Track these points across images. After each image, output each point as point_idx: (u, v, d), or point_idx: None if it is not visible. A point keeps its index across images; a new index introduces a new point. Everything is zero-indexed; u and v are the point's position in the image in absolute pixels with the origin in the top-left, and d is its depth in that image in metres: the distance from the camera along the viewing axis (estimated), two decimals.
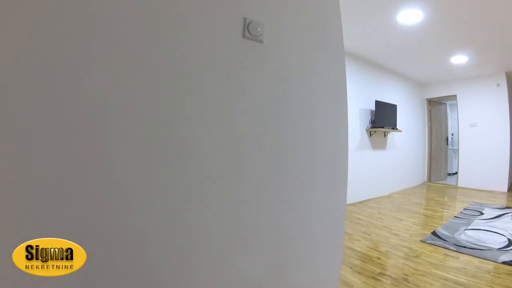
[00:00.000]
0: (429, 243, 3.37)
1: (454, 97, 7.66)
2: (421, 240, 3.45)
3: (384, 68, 6.50)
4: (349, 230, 3.78)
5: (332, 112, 1.36)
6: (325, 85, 1.33)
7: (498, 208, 5.15)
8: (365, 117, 5.73)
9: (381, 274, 2.62)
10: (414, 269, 2.71)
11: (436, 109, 8.55)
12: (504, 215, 4.65)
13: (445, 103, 8.95)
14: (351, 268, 2.75)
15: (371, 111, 5.83)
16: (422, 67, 6.49)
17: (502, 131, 6.70)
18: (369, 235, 3.64)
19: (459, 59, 5.81)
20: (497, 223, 4.25)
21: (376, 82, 6.21)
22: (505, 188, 6.74)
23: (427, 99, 8.23)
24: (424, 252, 3.10)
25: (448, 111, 9.44)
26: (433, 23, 4.15)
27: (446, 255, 3.05)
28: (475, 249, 3.18)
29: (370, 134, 5.84)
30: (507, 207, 5.26)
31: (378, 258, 2.96)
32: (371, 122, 5.80)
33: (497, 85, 6.76)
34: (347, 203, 5.15)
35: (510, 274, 2.67)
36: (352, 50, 5.29)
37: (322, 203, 1.34)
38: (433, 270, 2.68)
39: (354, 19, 4.04)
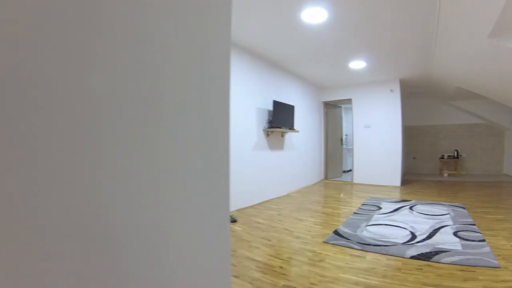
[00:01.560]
0: (332, 243, 3.18)
1: (349, 100, 8.35)
2: (324, 241, 3.25)
3: (285, 69, 6.52)
4: (248, 237, 3.41)
5: (209, 109, 0.94)
6: (204, 79, 0.91)
7: (395, 202, 5.40)
8: (262, 117, 5.52)
9: (285, 286, 2.28)
10: (321, 276, 2.44)
11: (332, 111, 9.15)
12: (402, 208, 4.86)
13: (341, 106, 9.70)
14: (251, 283, 2.35)
15: (269, 111, 5.66)
16: (323, 69, 6.65)
17: (395, 132, 7.58)
18: (270, 240, 3.32)
19: (358, 64, 6.13)
20: (397, 216, 4.37)
21: (276, 82, 6.12)
22: (398, 183, 7.51)
23: (324, 102, 8.74)
24: (328, 255, 2.88)
25: (343, 113, 10.34)
26: (336, 25, 4.15)
27: (352, 255, 2.88)
28: (381, 245, 3.10)
29: (268, 134, 5.66)
30: (402, 200, 5.56)
31: (281, 267, 2.63)
32: (269, 122, 5.61)
33: (391, 90, 7.58)
34: (246, 205, 4.91)
35: (421, 269, 2.60)
36: (252, 47, 5.02)
37: (187, 212, 0.90)
38: (341, 275, 2.45)
39: (255, 12, 3.77)
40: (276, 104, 5.62)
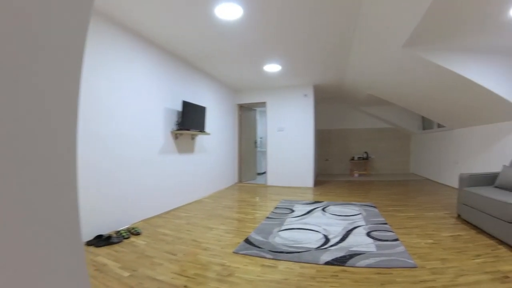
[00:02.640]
0: (242, 254, 3.00)
1: (264, 103, 8.50)
2: (234, 252, 3.03)
3: (199, 68, 6.26)
4: (152, 252, 3.06)
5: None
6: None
7: (308, 204, 5.42)
8: (171, 118, 5.14)
9: None
10: None
11: (247, 114, 9.15)
12: (314, 210, 4.88)
13: (255, 109, 9.82)
14: None
15: (178, 112, 5.31)
16: (238, 71, 6.53)
17: (307, 135, 7.94)
18: (175, 254, 3.00)
19: (273, 67, 6.18)
20: (309, 219, 4.34)
21: (187, 81, 5.81)
22: (311, 184, 7.89)
23: (238, 104, 8.69)
24: (238, 268, 2.66)
25: (258, 116, 10.54)
26: (252, 25, 4.04)
27: (263, 265, 2.72)
28: (293, 252, 3.01)
29: (176, 137, 5.29)
30: (315, 202, 5.60)
31: (185, 286, 2.31)
32: (177, 124, 5.24)
33: (305, 95, 7.97)
34: (152, 215, 4.49)
35: (336, 275, 2.54)
36: (161, 40, 4.62)
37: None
38: None
39: (163, 3, 3.45)
40: (186, 104, 5.29)
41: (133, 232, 3.64)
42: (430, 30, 3.74)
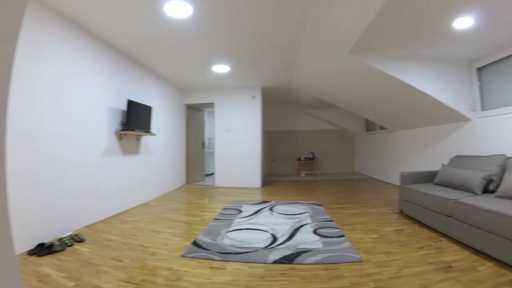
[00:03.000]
0: (191, 257, 3.01)
1: (212, 104, 8.53)
2: (181, 255, 3.03)
3: (145, 66, 6.10)
4: (97, 259, 2.96)
5: None
6: None
7: (255, 204, 5.51)
8: (115, 117, 4.95)
9: None
10: None
11: (195, 114, 9.10)
12: (262, 210, 4.97)
13: (203, 110, 9.81)
14: None
15: (123, 111, 5.14)
16: (186, 70, 6.46)
17: (255, 136, 8.11)
18: (121, 261, 2.93)
19: (221, 68, 6.20)
20: (257, 219, 4.43)
21: (133, 79, 5.62)
22: (259, 184, 8.07)
23: (186, 104, 8.61)
24: (187, 271, 2.67)
25: (206, 117, 10.61)
26: (201, 24, 4.04)
27: (212, 268, 2.76)
28: (241, 253, 3.08)
29: (120, 138, 5.12)
30: (263, 202, 5.70)
31: None
32: (122, 124, 5.07)
33: (253, 97, 8.12)
34: (96, 220, 4.36)
35: (285, 273, 2.62)
36: (106, 34, 4.39)
37: None
38: None
39: None
40: (131, 103, 5.12)
41: (76, 239, 3.48)
42: (375, 39, 4.04)
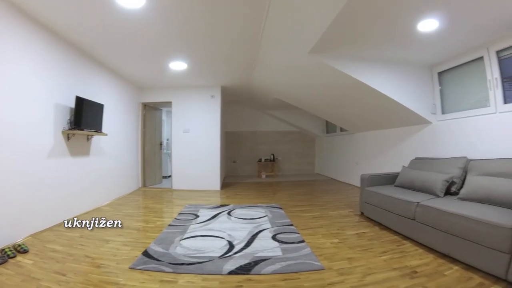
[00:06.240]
0: (140, 269, 2.84)
1: (169, 103, 8.28)
2: (130, 267, 2.86)
3: (96, 60, 5.71)
4: (39, 273, 2.70)
5: None
6: None
7: (213, 208, 5.42)
8: (63, 116, 4.61)
9: None
10: None
11: (152, 114, 8.81)
12: (220, 215, 4.88)
13: (161, 109, 9.55)
14: None
15: (71, 109, 4.78)
16: (141, 66, 6.20)
17: (214, 136, 7.98)
18: (65, 275, 2.70)
19: (179, 65, 6.01)
20: (214, 224, 4.34)
21: (83, 74, 5.27)
22: (218, 187, 7.95)
23: (142, 103, 8.29)
24: (135, 286, 2.53)
25: (164, 117, 10.33)
26: (155, 15, 3.80)
27: (162, 281, 2.61)
28: (195, 263, 2.96)
29: (68, 138, 4.78)
30: (221, 205, 5.63)
31: None
32: (70, 123, 4.74)
33: (212, 96, 7.98)
34: (43, 228, 4.03)
35: (240, 286, 2.50)
36: (51, 20, 3.99)
37: None
38: None
39: None
40: (80, 101, 4.79)
41: (19, 250, 3.19)
42: (335, 40, 4.05)
